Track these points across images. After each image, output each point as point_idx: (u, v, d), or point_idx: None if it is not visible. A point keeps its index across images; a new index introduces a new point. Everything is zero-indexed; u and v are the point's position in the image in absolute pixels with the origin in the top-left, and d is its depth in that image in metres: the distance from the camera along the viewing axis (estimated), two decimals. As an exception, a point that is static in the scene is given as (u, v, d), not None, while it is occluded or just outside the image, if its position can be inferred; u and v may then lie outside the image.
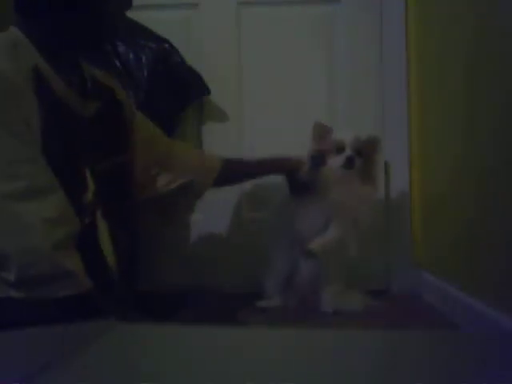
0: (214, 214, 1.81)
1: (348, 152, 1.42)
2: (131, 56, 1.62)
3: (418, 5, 1.72)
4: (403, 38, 1.77)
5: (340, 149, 1.43)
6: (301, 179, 1.44)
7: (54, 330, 0.78)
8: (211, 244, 1.80)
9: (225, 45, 1.82)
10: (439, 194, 1.56)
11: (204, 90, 1.75)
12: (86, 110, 1.11)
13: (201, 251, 1.79)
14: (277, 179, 1.56)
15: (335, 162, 1.43)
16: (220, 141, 1.80)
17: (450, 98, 1.44)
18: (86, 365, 0.61)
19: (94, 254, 1.03)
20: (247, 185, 1.75)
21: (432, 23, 1.60)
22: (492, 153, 1.15)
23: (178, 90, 1.68)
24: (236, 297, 1.55)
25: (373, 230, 1.78)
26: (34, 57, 1.01)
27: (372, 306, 1.47)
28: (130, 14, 1.69)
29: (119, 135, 1.22)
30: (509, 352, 0.67)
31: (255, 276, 1.56)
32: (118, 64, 1.62)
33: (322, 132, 1.46)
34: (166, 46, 1.66)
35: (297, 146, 1.48)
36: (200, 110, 1.82)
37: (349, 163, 1.41)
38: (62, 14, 1.04)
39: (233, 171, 1.48)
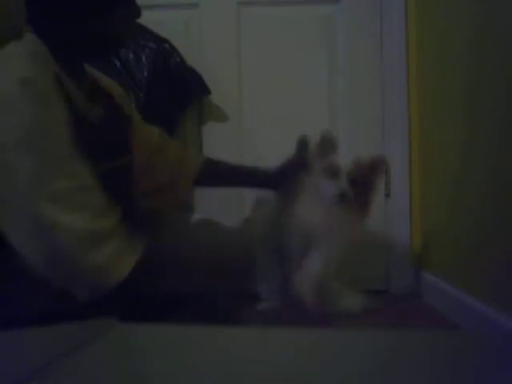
0: (214, 213, 1.81)
1: (342, 185, 1.28)
2: (131, 56, 1.62)
3: (418, 5, 1.72)
4: (403, 38, 1.77)
5: (334, 175, 1.30)
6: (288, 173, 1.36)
7: (54, 330, 0.78)
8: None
9: (225, 45, 1.82)
10: (439, 193, 1.56)
11: (204, 90, 1.75)
12: (92, 114, 1.12)
13: (201, 251, 1.78)
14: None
15: (327, 188, 1.30)
16: (220, 141, 1.80)
17: (450, 97, 1.44)
18: (86, 365, 0.61)
19: None
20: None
21: (432, 23, 1.60)
22: (492, 153, 1.15)
23: (177, 90, 1.68)
24: (236, 297, 1.55)
25: (373, 229, 1.79)
26: (53, 63, 1.02)
27: (372, 306, 1.47)
28: (130, 14, 1.70)
29: (120, 137, 1.22)
30: (509, 352, 0.67)
31: (255, 276, 1.56)
32: (118, 64, 1.62)
33: (326, 144, 1.33)
34: (166, 45, 1.66)
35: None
36: (200, 110, 1.83)
37: (341, 199, 1.28)
38: (72, 21, 1.04)
39: (214, 172, 1.41)
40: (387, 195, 1.79)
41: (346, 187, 1.28)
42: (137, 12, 1.15)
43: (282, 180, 1.41)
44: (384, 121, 1.79)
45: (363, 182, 1.30)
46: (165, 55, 1.65)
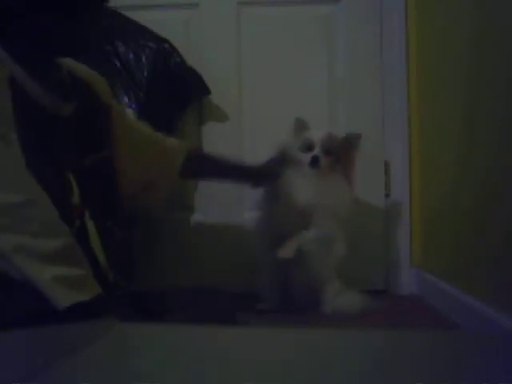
0: (213, 213, 1.81)
1: (315, 151, 1.42)
2: (131, 56, 1.62)
3: (418, 5, 1.72)
4: (403, 38, 1.76)
5: (309, 147, 1.44)
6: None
7: (54, 330, 0.78)
8: (211, 244, 1.80)
9: (225, 45, 1.82)
10: (439, 193, 1.56)
11: (204, 90, 1.75)
12: (65, 110, 1.11)
13: (201, 251, 1.79)
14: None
15: (304, 159, 1.44)
16: (220, 141, 1.80)
17: (450, 97, 1.44)
18: (86, 365, 0.62)
19: (87, 256, 1.03)
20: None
21: (432, 23, 1.60)
22: (492, 153, 1.15)
23: (178, 90, 1.68)
24: (236, 297, 1.55)
25: (373, 229, 1.80)
26: (8, 65, 1.01)
27: (372, 306, 1.47)
28: (130, 14, 1.70)
29: (100, 129, 1.21)
30: (509, 352, 0.67)
31: (255, 276, 1.56)
32: (118, 64, 1.62)
33: (300, 127, 1.48)
34: (166, 45, 1.66)
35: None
36: (200, 110, 1.82)
37: (314, 163, 1.41)
38: (36, 22, 1.03)
39: (203, 163, 1.47)
40: (387, 195, 1.79)
41: (318, 153, 1.42)
42: (102, 14, 1.13)
43: (266, 175, 1.47)
44: (384, 121, 1.79)
45: (338, 152, 1.44)
46: (165, 55, 1.65)
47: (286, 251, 1.39)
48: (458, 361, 0.64)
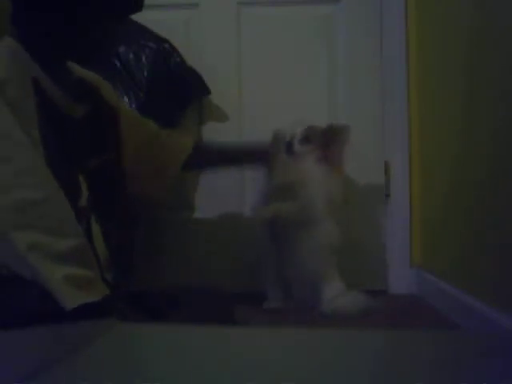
0: (213, 213, 1.81)
1: (293, 140, 1.48)
2: (131, 56, 1.62)
3: (418, 5, 1.72)
4: (403, 38, 1.76)
5: (292, 138, 1.49)
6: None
7: (54, 330, 0.78)
8: (211, 244, 1.80)
9: (225, 45, 1.82)
10: (439, 193, 1.56)
11: (204, 90, 1.75)
12: (78, 111, 1.12)
13: (201, 251, 1.79)
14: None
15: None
16: (220, 141, 1.79)
17: (450, 97, 1.44)
18: (86, 365, 0.62)
19: None
20: (248, 184, 1.76)
21: (432, 23, 1.60)
22: (491, 152, 1.15)
23: (177, 90, 1.68)
24: (236, 297, 1.55)
25: (373, 229, 1.80)
26: (31, 66, 1.02)
27: (372, 306, 1.47)
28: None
29: (108, 131, 1.22)
30: (509, 352, 0.67)
31: (255, 276, 1.56)
32: (118, 64, 1.62)
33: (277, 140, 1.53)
34: (166, 45, 1.66)
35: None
36: (200, 110, 1.82)
37: (287, 148, 1.48)
38: (55, 24, 1.03)
39: (204, 154, 1.49)
40: (387, 195, 1.79)
41: (294, 141, 1.48)
42: (121, 15, 1.14)
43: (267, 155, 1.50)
44: (384, 121, 1.79)
45: (318, 141, 1.49)
46: (165, 55, 1.65)
47: (265, 210, 1.46)
48: (458, 361, 0.64)
